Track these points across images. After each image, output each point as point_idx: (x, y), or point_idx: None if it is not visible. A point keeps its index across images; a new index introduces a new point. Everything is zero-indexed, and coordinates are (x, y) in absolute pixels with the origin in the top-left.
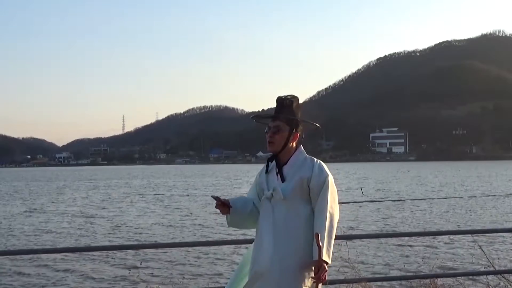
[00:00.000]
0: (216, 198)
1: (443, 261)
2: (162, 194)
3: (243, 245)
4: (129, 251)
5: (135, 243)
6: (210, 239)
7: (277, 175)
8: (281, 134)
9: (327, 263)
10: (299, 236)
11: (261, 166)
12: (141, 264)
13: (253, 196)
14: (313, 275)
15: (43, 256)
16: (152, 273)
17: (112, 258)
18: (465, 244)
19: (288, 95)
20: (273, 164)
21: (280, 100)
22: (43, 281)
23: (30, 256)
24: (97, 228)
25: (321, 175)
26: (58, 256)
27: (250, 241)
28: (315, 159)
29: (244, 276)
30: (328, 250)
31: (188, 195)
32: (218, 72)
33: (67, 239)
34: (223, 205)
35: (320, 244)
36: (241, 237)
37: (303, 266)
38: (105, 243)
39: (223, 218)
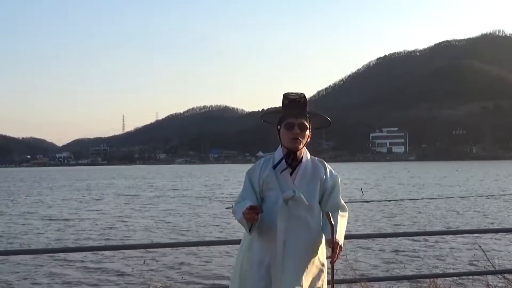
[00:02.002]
0: (255, 207)
1: (443, 261)
2: (159, 195)
3: None
4: (128, 251)
5: (135, 243)
6: (209, 239)
7: (290, 175)
8: (305, 132)
9: (339, 245)
10: (317, 233)
11: None
12: (144, 263)
13: (250, 197)
14: (330, 255)
15: (43, 256)
16: (153, 273)
17: (111, 258)
18: (465, 244)
19: (300, 93)
20: (281, 162)
21: (298, 97)
22: (42, 281)
23: (31, 256)
24: (94, 228)
25: (332, 175)
26: (58, 256)
27: None
28: (323, 160)
29: (245, 279)
30: (341, 234)
31: (184, 196)
32: (218, 72)
33: (62, 240)
34: (256, 213)
35: (333, 222)
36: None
37: (319, 263)
38: (104, 243)
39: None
